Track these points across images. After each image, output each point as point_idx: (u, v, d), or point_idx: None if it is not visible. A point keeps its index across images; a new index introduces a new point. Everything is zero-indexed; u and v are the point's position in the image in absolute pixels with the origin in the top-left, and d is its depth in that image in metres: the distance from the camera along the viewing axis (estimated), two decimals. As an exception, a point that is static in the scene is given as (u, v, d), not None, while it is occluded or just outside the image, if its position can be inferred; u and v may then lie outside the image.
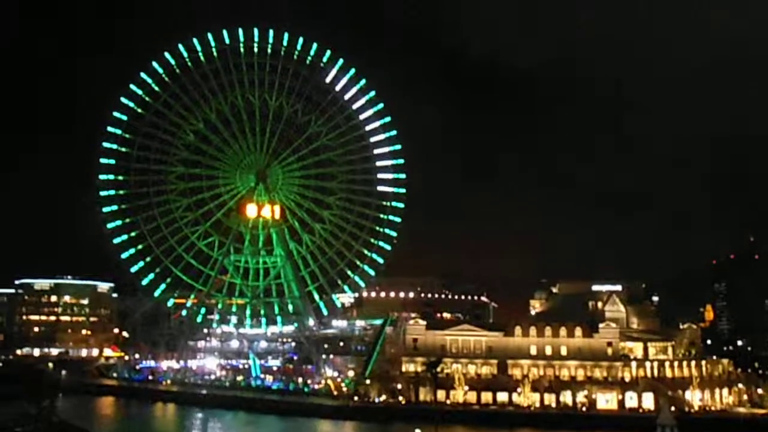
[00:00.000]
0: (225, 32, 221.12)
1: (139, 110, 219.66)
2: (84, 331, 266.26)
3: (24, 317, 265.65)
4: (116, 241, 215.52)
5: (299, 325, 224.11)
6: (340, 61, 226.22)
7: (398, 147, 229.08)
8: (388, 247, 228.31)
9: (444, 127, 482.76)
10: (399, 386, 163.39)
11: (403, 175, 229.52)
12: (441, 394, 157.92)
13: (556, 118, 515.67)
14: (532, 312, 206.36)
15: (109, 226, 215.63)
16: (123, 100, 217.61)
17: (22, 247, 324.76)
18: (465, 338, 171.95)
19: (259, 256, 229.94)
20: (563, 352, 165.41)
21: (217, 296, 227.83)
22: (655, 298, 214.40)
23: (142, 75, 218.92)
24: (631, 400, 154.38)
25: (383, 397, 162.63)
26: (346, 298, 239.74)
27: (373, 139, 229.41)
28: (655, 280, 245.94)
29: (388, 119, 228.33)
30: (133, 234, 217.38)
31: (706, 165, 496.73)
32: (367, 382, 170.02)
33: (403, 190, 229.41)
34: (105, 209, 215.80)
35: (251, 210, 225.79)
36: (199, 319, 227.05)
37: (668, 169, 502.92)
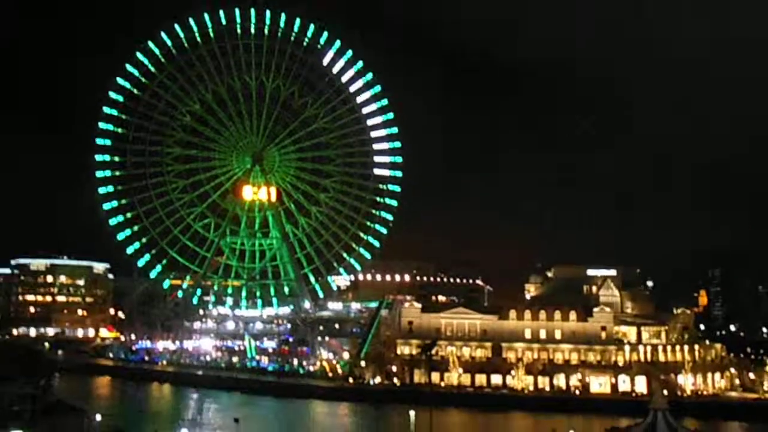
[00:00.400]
0: (222, 13, 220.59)
1: (136, 91, 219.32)
2: (80, 312, 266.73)
3: (20, 297, 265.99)
4: (112, 222, 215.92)
5: (295, 307, 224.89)
6: (337, 44, 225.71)
7: (395, 130, 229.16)
8: (384, 231, 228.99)
9: (441, 111, 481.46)
10: (394, 368, 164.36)
11: (399, 159, 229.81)
12: (435, 377, 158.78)
13: (555, 103, 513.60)
14: (527, 296, 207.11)
15: (106, 207, 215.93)
16: (119, 80, 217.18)
17: (19, 228, 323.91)
18: (460, 321, 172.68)
19: (255, 238, 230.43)
20: (557, 335, 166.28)
21: (213, 278, 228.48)
22: (650, 283, 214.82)
23: (139, 56, 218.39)
24: (624, 383, 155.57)
25: (378, 379, 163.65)
26: (341, 280, 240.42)
27: (369, 123, 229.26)
28: (650, 265, 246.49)
29: (385, 102, 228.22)
30: (129, 215, 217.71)
31: (703, 153, 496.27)
32: (362, 364, 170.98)
33: (399, 174, 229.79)
34: (101, 190, 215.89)
35: (247, 192, 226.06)
36: (194, 300, 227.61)
37: (666, 157, 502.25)
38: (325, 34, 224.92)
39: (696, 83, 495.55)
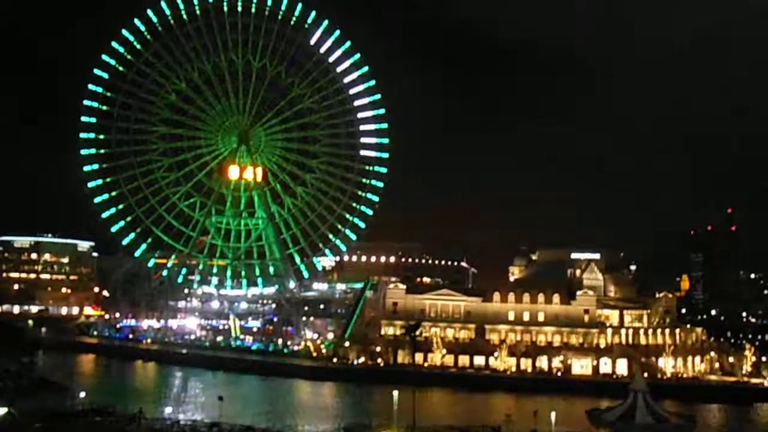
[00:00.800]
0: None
1: (121, 68, 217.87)
2: (64, 290, 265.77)
3: (4, 275, 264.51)
4: (97, 200, 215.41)
5: (280, 287, 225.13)
6: (325, 23, 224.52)
7: (382, 111, 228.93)
8: (370, 212, 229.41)
9: (429, 91, 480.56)
10: (378, 349, 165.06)
11: (386, 140, 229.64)
12: (419, 357, 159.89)
13: (539, 86, 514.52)
14: (511, 278, 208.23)
15: (90, 185, 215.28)
16: (105, 58, 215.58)
17: (3, 205, 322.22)
18: (444, 303, 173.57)
19: (241, 217, 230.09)
20: (540, 318, 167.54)
21: (198, 257, 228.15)
22: (633, 267, 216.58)
23: (124, 32, 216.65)
24: (605, 366, 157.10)
25: (362, 360, 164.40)
26: (327, 261, 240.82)
27: (356, 103, 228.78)
28: (634, 249, 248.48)
29: (372, 83, 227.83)
30: (114, 193, 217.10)
31: (687, 137, 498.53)
32: (347, 344, 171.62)
33: (386, 155, 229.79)
34: (86, 168, 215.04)
35: (233, 171, 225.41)
36: (179, 279, 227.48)
37: (649, 140, 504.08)
38: (313, 13, 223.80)
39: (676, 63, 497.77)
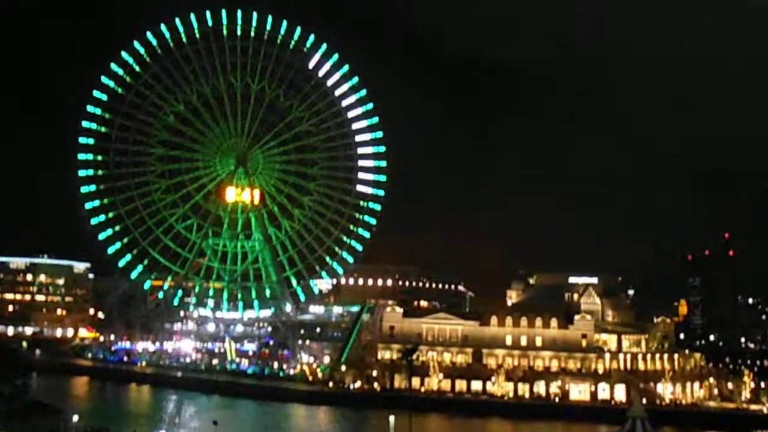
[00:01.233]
0: (208, 14, 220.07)
1: (120, 90, 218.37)
2: (59, 311, 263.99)
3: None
4: (94, 221, 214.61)
5: (276, 310, 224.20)
6: (323, 47, 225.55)
7: (380, 134, 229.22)
8: (367, 235, 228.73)
9: (426, 117, 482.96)
10: (374, 373, 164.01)
11: (383, 163, 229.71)
12: (416, 382, 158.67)
13: (536, 109, 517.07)
14: (509, 302, 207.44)
15: (87, 206, 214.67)
16: (104, 79, 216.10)
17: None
18: (441, 326, 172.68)
19: (238, 240, 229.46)
20: (538, 342, 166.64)
21: (194, 279, 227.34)
22: (631, 292, 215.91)
23: (124, 55, 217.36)
24: (603, 391, 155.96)
25: (358, 384, 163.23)
26: (323, 284, 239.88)
27: (354, 126, 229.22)
28: (631, 273, 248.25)
29: (370, 106, 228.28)
30: (111, 215, 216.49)
31: (685, 161, 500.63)
32: (343, 368, 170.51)
33: (383, 178, 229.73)
34: (83, 189, 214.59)
35: (230, 194, 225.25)
36: (175, 301, 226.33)
37: (648, 164, 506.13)
38: (312, 36, 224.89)
39: (681, 83, 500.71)
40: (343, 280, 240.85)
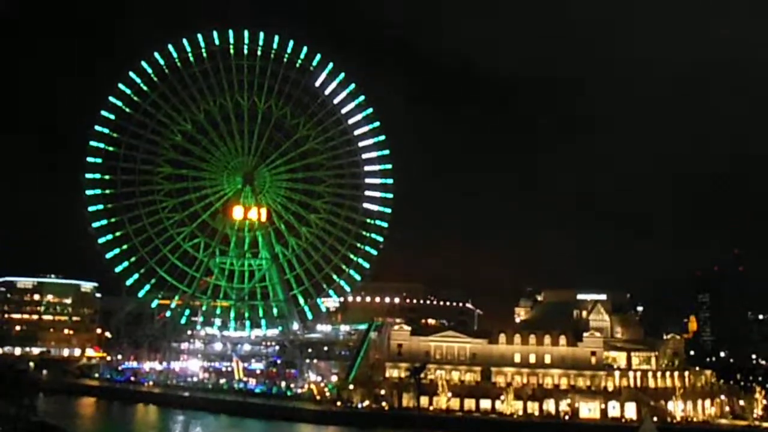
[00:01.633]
0: (215, 33, 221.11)
1: (128, 110, 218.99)
2: (66, 331, 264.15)
3: (6, 316, 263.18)
4: (101, 240, 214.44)
5: (283, 328, 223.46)
6: (330, 65, 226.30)
7: (386, 152, 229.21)
8: (374, 252, 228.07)
9: (433, 131, 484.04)
10: (382, 392, 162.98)
11: (390, 181, 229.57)
12: (424, 401, 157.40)
13: (537, 124, 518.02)
14: (517, 320, 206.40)
15: (95, 225, 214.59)
16: (111, 99, 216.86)
17: (5, 245, 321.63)
18: (449, 345, 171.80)
19: (245, 258, 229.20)
20: (547, 360, 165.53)
21: (201, 298, 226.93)
22: (640, 308, 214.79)
23: (131, 74, 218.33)
24: (613, 409, 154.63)
25: (366, 403, 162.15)
26: (331, 302, 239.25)
27: (361, 144, 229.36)
28: (640, 290, 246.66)
29: (376, 124, 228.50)
30: (118, 234, 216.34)
31: (693, 178, 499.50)
32: (351, 387, 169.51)
33: (390, 196, 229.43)
34: (90, 208, 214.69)
35: (238, 212, 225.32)
36: (183, 320, 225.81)
37: (655, 180, 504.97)
38: (318, 55, 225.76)
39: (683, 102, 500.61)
40: (350, 298, 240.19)
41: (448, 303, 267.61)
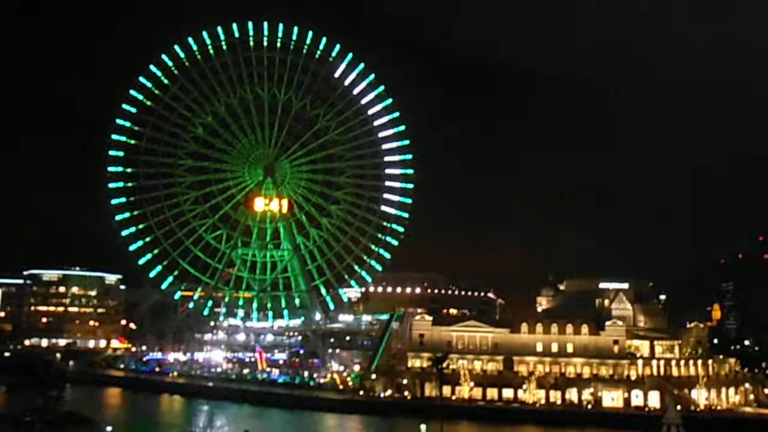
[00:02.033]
0: (234, 26, 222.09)
1: (149, 103, 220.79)
2: (91, 323, 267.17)
3: (32, 308, 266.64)
4: (124, 233, 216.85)
5: (306, 319, 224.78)
6: (349, 56, 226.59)
7: (406, 143, 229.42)
8: (395, 243, 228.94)
9: (454, 121, 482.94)
10: (404, 381, 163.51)
11: (411, 171, 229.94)
12: (446, 390, 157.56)
13: (556, 117, 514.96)
14: (539, 309, 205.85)
15: (118, 218, 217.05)
16: (132, 92, 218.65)
17: (31, 238, 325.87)
18: (471, 334, 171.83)
19: (267, 249, 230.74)
20: (569, 349, 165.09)
21: (224, 289, 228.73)
22: (663, 297, 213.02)
23: (152, 68, 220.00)
24: (636, 398, 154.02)
25: (389, 392, 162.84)
26: (352, 292, 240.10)
27: (381, 135, 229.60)
28: (663, 278, 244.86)
29: (396, 114, 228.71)
30: (141, 226, 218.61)
31: (717, 165, 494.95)
32: (373, 376, 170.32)
33: (410, 186, 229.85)
34: (113, 201, 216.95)
35: (259, 203, 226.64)
36: (206, 311, 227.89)
37: (680, 169, 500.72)
38: (337, 46, 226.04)
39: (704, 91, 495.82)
40: (371, 288, 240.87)
41: (469, 293, 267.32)
